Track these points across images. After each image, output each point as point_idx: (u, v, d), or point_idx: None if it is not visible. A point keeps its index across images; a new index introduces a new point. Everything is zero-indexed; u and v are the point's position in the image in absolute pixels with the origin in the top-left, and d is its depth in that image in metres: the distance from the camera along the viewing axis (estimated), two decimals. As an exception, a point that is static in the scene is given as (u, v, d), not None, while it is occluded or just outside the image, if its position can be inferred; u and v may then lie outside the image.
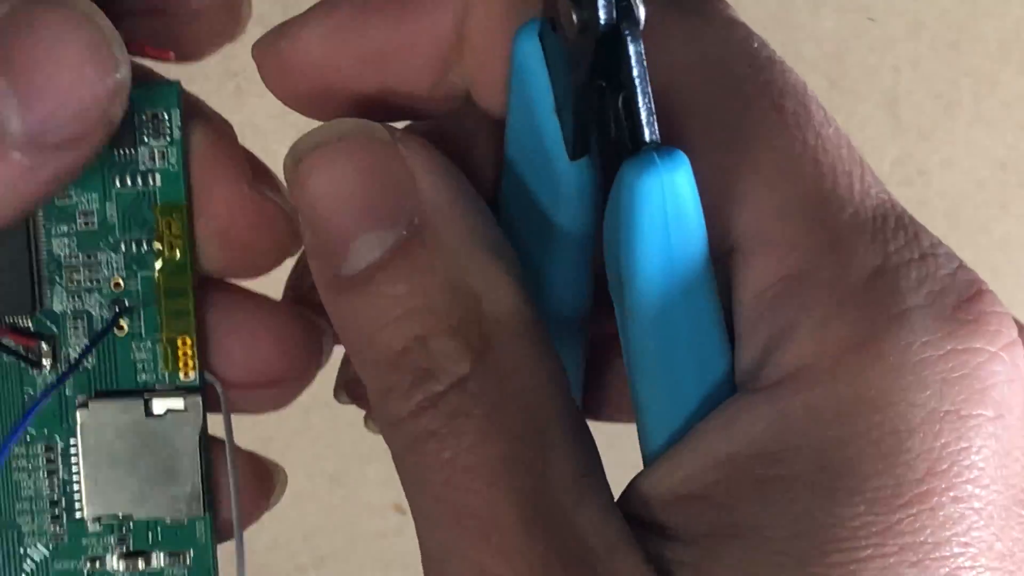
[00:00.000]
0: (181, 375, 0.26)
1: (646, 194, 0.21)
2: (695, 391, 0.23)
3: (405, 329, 0.22)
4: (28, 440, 0.26)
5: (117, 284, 0.26)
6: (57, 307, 0.26)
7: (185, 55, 0.27)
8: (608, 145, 0.23)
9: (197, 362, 0.26)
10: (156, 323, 0.26)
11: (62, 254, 0.26)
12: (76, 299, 0.26)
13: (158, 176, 0.26)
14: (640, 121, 0.21)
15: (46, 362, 0.26)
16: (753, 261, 0.23)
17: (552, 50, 0.23)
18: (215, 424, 0.27)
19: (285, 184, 0.24)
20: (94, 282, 0.26)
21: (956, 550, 0.21)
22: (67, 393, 0.26)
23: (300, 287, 0.29)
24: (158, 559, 0.26)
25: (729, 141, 0.23)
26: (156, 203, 0.26)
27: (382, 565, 0.53)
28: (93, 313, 0.26)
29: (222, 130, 0.26)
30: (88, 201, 0.26)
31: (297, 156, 0.23)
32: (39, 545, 0.26)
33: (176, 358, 0.26)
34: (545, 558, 0.21)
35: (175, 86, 0.26)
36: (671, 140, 0.22)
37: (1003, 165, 0.51)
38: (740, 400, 0.22)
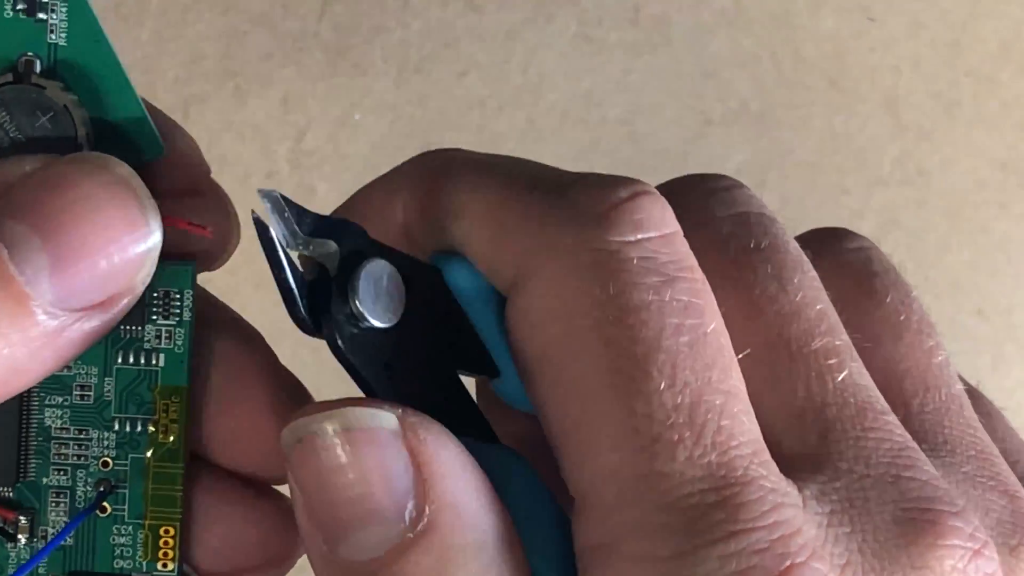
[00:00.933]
0: (159, 565, 0.25)
1: None
2: None
3: None
4: None
5: (105, 463, 0.25)
6: (41, 480, 0.25)
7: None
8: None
9: (178, 553, 0.25)
10: (141, 508, 0.25)
11: (53, 426, 0.25)
12: (62, 474, 0.25)
13: (162, 356, 0.25)
14: None
15: (22, 537, 0.25)
16: (582, 517, 0.23)
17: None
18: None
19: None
20: (82, 458, 0.25)
21: None
22: (40, 572, 0.25)
23: None
24: None
25: (588, 395, 0.23)
26: (157, 384, 0.25)
27: None
28: (78, 490, 0.25)
29: (257, 343, 0.26)
30: (87, 374, 0.25)
31: (298, 436, 0.23)
32: None
33: (157, 547, 0.25)
34: None
35: (191, 266, 0.25)
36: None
37: (1003, 165, 0.51)
38: None
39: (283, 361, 0.27)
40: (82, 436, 0.25)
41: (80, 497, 0.25)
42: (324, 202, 0.28)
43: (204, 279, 0.26)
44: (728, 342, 0.23)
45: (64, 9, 0.24)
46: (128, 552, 0.25)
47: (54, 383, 0.25)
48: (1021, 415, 0.53)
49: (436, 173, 0.26)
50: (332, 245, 0.23)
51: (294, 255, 0.23)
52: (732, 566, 0.22)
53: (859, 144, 0.50)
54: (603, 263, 0.23)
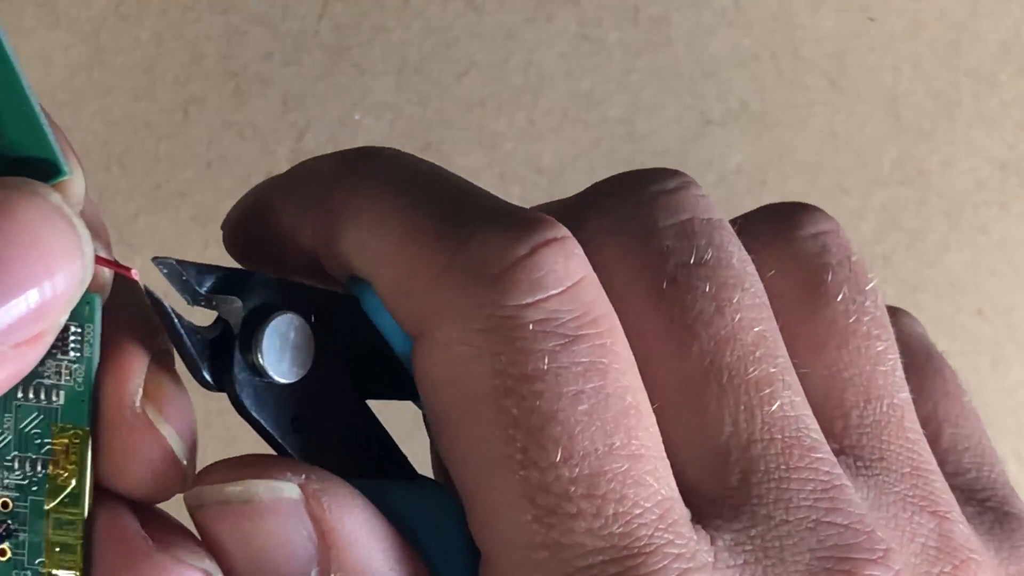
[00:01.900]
0: None
1: None
2: None
3: None
4: None
5: (5, 503, 0.24)
6: None
7: None
8: None
9: None
10: (40, 554, 0.24)
11: None
12: None
13: (62, 394, 0.23)
14: None
15: None
16: (487, 572, 0.23)
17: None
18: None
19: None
20: None
21: None
22: None
23: None
24: None
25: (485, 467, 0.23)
26: (56, 422, 0.23)
27: None
28: None
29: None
30: None
31: (200, 502, 0.23)
32: None
33: None
34: None
35: (95, 299, 0.23)
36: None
37: (1003, 165, 0.51)
38: None
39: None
40: None
41: None
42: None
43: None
44: (637, 396, 0.23)
45: None
46: None
47: None
48: (1021, 415, 0.54)
49: (336, 202, 0.25)
50: (236, 301, 0.23)
51: (197, 316, 0.23)
52: None
53: (859, 144, 0.50)
54: (497, 329, 0.22)
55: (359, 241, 0.24)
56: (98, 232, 0.23)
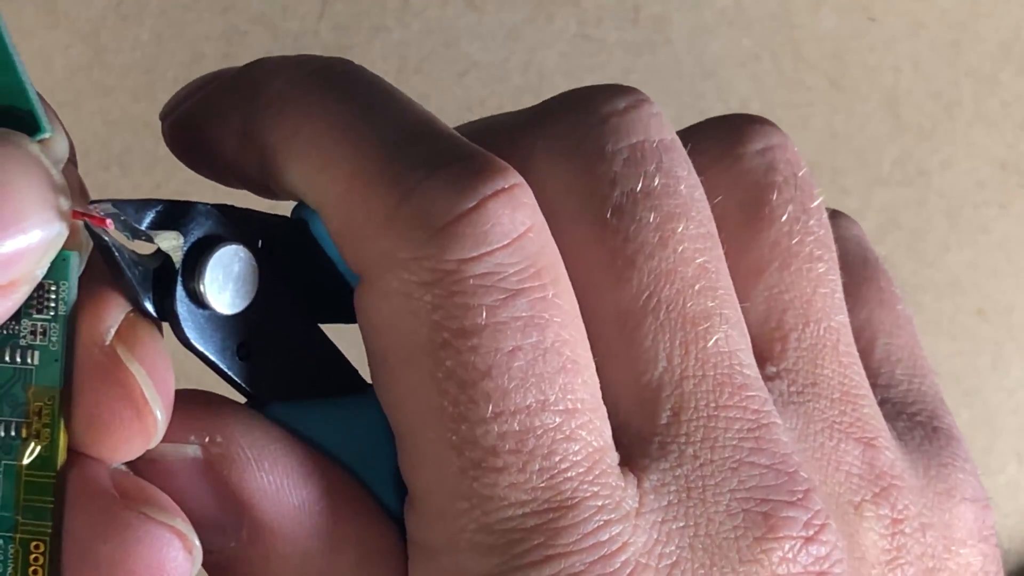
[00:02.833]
0: None
1: None
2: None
3: None
4: None
5: None
6: None
7: None
8: None
9: (48, 570, 0.23)
10: (12, 520, 0.23)
11: None
12: None
13: (36, 354, 0.23)
14: None
15: None
16: (411, 512, 0.23)
17: None
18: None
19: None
20: None
21: None
22: None
23: None
24: None
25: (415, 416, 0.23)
26: (31, 384, 0.23)
27: None
28: None
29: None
30: None
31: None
32: None
33: (26, 562, 0.23)
34: None
35: (70, 256, 0.23)
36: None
37: (1003, 165, 0.51)
38: None
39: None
40: None
41: None
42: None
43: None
44: (576, 349, 0.23)
45: None
46: None
47: None
48: (1021, 415, 0.54)
49: (284, 131, 0.24)
50: (177, 236, 0.23)
51: (143, 248, 0.23)
52: None
53: (859, 144, 0.50)
54: (438, 283, 0.22)
55: (306, 175, 0.24)
56: (77, 192, 0.23)
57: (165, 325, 0.24)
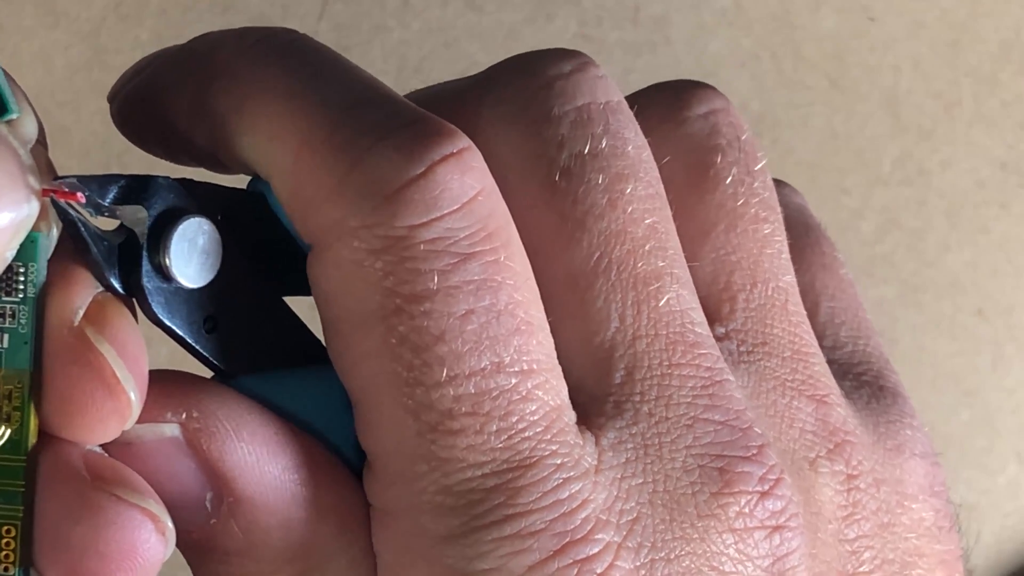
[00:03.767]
0: (0, 568, 0.23)
1: None
2: None
3: None
4: None
5: None
6: None
7: None
8: None
9: (18, 556, 0.23)
10: None
11: None
12: None
13: (6, 337, 0.23)
14: None
15: None
16: (369, 477, 0.24)
17: None
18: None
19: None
20: None
21: None
22: None
23: None
24: None
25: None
26: (0, 368, 0.23)
27: None
28: None
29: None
30: None
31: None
32: None
33: None
34: None
35: (38, 236, 0.22)
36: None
37: (1003, 165, 0.51)
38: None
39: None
40: None
41: None
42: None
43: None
44: (530, 310, 0.23)
45: None
46: None
47: None
48: (1021, 415, 0.54)
49: (231, 102, 0.24)
50: (140, 210, 0.23)
51: (106, 224, 0.23)
52: (506, 548, 0.22)
53: (859, 144, 0.50)
54: (389, 249, 0.22)
55: (254, 146, 0.24)
56: (45, 172, 0.23)
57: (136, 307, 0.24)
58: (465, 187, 0.23)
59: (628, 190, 0.24)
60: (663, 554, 0.23)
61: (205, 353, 0.24)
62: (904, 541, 0.27)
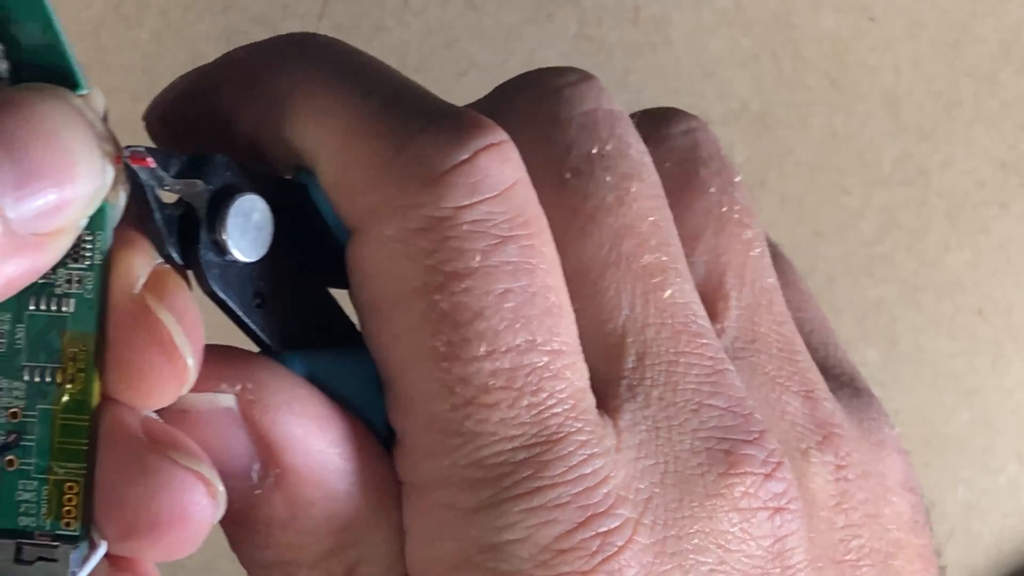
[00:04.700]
0: (63, 523, 0.24)
1: None
2: None
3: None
4: None
5: (14, 414, 0.24)
6: None
7: None
8: None
9: (81, 512, 0.24)
10: (46, 463, 0.24)
11: None
12: None
13: (72, 302, 0.24)
14: None
15: None
16: (399, 453, 0.24)
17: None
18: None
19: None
20: None
21: None
22: None
23: None
24: None
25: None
26: (66, 331, 0.24)
27: None
28: None
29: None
30: (0, 321, 0.24)
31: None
32: None
33: (60, 504, 0.24)
34: None
35: (106, 206, 0.23)
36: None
37: (1003, 165, 0.51)
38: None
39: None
40: None
41: None
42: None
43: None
44: (560, 295, 0.24)
45: None
46: (32, 509, 0.24)
47: None
48: (1021, 415, 0.54)
49: (278, 90, 0.25)
50: (200, 184, 0.24)
51: (167, 198, 0.24)
52: (533, 520, 0.23)
53: (859, 144, 0.50)
54: (433, 228, 0.23)
55: (301, 131, 0.25)
56: (113, 143, 0.24)
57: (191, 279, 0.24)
58: (505, 175, 0.24)
59: (633, 189, 0.25)
60: (674, 531, 0.24)
61: (254, 327, 0.25)
62: (887, 532, 0.28)
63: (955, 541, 0.51)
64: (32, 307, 0.24)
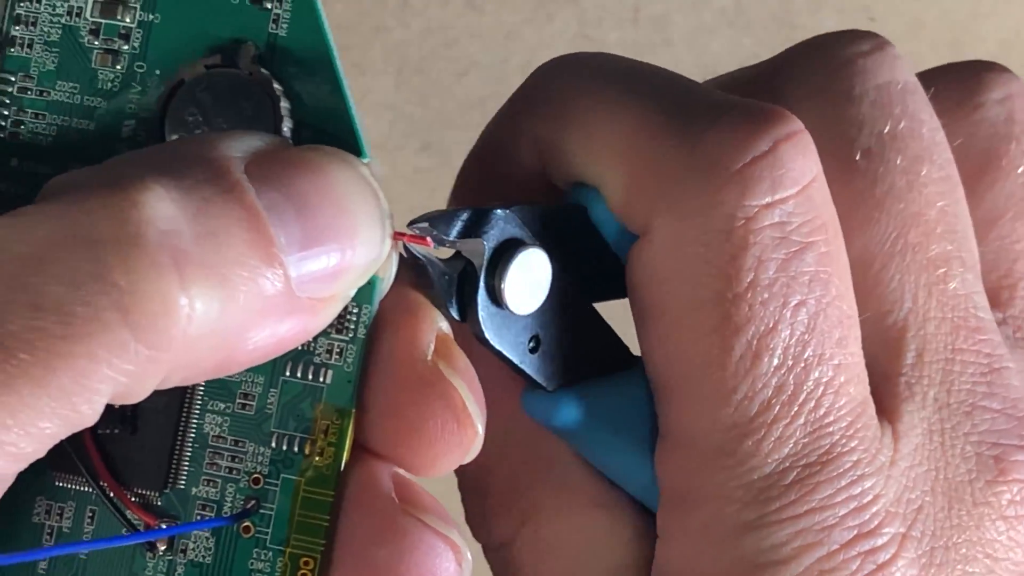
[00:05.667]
0: None
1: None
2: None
3: None
4: None
5: (256, 479, 0.23)
6: (190, 490, 0.23)
7: None
8: None
9: None
10: (284, 533, 0.23)
11: (211, 433, 0.23)
12: (211, 486, 0.23)
13: (330, 374, 0.23)
14: None
15: (161, 547, 0.23)
16: (670, 457, 0.24)
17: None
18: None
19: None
20: (234, 472, 0.23)
21: None
22: None
23: None
24: None
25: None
26: (321, 403, 0.23)
27: None
28: (225, 505, 0.23)
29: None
30: (253, 383, 0.23)
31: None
32: None
33: None
34: None
35: (376, 280, 0.23)
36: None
37: (1003, 165, 0.51)
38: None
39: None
40: (238, 448, 0.23)
41: (227, 513, 0.23)
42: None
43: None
44: (850, 303, 0.23)
45: (291, 2, 0.23)
46: None
47: (220, 388, 0.23)
48: (1021, 415, 0.53)
49: (564, 102, 0.25)
50: (481, 243, 0.23)
51: (444, 253, 0.24)
52: (798, 542, 0.22)
53: (859, 144, 0.50)
54: (732, 231, 0.22)
55: (585, 140, 0.24)
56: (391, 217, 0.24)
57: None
58: (805, 169, 0.22)
59: (924, 172, 0.24)
60: (942, 542, 0.23)
61: (530, 372, 0.24)
62: None
63: None
64: (287, 373, 0.23)
